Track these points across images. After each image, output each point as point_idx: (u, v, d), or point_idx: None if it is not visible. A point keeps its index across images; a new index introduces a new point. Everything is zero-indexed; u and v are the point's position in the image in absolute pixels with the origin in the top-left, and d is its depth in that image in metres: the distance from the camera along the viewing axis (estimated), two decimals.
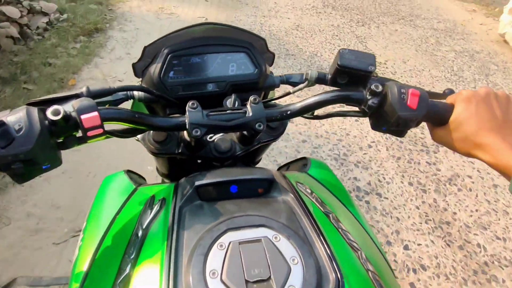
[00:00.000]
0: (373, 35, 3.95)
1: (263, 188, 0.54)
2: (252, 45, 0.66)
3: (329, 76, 0.58)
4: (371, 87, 0.52)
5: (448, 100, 0.53)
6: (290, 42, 3.50)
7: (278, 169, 0.82)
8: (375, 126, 0.56)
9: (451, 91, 0.57)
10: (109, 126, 0.46)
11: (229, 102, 0.63)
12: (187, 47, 0.62)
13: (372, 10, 4.76)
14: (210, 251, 0.42)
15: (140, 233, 0.49)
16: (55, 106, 0.42)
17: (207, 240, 0.43)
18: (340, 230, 0.52)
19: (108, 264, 0.49)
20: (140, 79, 0.66)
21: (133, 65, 0.64)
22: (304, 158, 0.78)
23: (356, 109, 0.58)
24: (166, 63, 0.61)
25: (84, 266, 0.51)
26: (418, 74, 3.30)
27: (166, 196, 0.55)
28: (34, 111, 0.41)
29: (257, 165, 0.89)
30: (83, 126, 0.43)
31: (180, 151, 0.66)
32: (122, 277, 0.44)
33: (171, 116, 0.55)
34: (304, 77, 0.62)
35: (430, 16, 4.95)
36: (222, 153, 0.66)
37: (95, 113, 0.43)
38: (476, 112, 0.48)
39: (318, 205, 0.56)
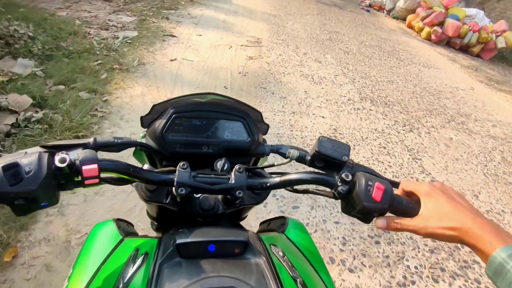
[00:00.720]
0: (427, 147, 3.21)
1: (239, 249, 0.57)
2: (248, 116, 0.71)
3: (308, 158, 0.64)
4: (342, 176, 0.57)
5: (407, 189, 0.59)
6: None
7: (261, 224, 0.88)
8: (344, 210, 0.60)
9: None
10: (107, 174, 0.54)
11: (219, 164, 0.66)
12: (190, 110, 0.67)
13: (415, 105, 4.09)
14: None
15: (121, 287, 0.51)
16: (63, 155, 0.48)
17: None
18: None
19: None
20: (145, 129, 0.71)
21: (142, 117, 0.69)
22: (283, 217, 0.80)
23: (328, 190, 0.62)
24: (169, 121, 0.66)
25: None
26: (499, 218, 2.48)
27: (149, 250, 0.58)
28: (45, 156, 0.47)
29: (242, 221, 0.89)
30: (82, 175, 0.48)
31: (167, 201, 0.68)
32: None
33: (161, 171, 0.60)
34: (286, 154, 0.68)
35: (481, 116, 4.28)
36: (205, 210, 0.68)
37: (95, 166, 0.49)
38: (445, 203, 0.52)
39: (287, 269, 0.58)
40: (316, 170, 0.63)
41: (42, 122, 2.24)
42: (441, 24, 7.61)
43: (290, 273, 0.57)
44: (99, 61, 3.19)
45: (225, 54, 4.23)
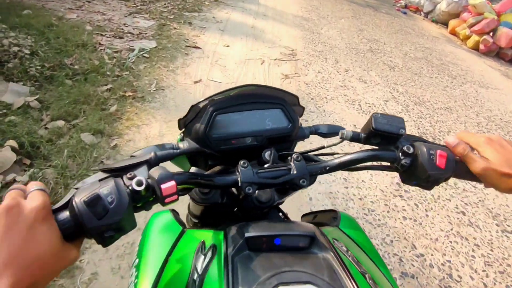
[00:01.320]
0: None
1: (304, 243, 0.56)
2: (286, 101, 0.70)
3: (362, 136, 0.63)
4: (403, 148, 0.58)
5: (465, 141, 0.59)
6: None
7: (303, 216, 0.88)
8: (405, 180, 0.61)
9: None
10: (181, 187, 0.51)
11: (268, 155, 0.66)
12: (229, 106, 0.67)
13: None
14: None
15: (196, 278, 0.52)
16: (139, 178, 0.46)
17: None
18: None
19: None
20: (182, 130, 0.72)
21: (179, 120, 0.69)
22: (333, 210, 0.79)
23: (387, 164, 0.63)
24: (211, 120, 0.65)
25: None
26: None
27: (217, 243, 0.58)
28: (121, 183, 0.46)
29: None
30: (161, 194, 0.47)
31: (224, 201, 0.71)
32: None
33: (222, 174, 0.60)
34: (339, 136, 0.66)
35: None
36: (262, 203, 0.69)
37: (173, 183, 0.47)
38: (502, 152, 0.54)
39: (354, 264, 0.57)
40: (371, 147, 0.63)
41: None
42: (492, 32, 6.75)
43: (358, 268, 0.57)
44: (109, 85, 2.60)
45: (257, 71, 3.59)
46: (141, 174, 0.48)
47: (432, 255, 2.00)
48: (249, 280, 0.48)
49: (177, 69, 3.20)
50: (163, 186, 0.46)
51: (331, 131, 0.74)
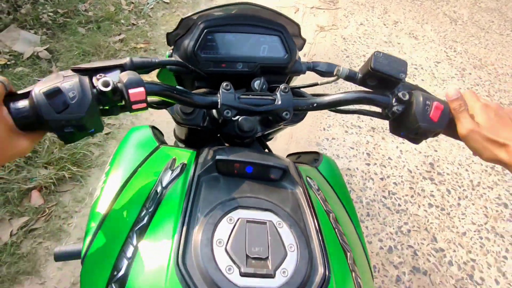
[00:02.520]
0: None
1: (276, 176, 0.57)
2: (286, 30, 0.66)
3: (359, 76, 0.60)
4: (399, 94, 0.55)
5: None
6: None
7: (288, 156, 0.88)
8: (394, 130, 0.59)
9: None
10: (151, 97, 0.51)
11: (257, 84, 0.63)
12: (223, 24, 0.62)
13: None
14: (220, 222, 0.46)
15: (159, 190, 0.53)
16: (105, 78, 0.45)
17: (219, 212, 0.47)
18: (336, 230, 0.56)
19: (127, 210, 0.53)
20: (172, 47, 0.68)
21: (167, 34, 0.66)
22: (316, 152, 0.80)
23: (378, 110, 0.61)
24: (201, 38, 0.61)
25: (104, 207, 0.56)
26: None
27: (187, 162, 0.58)
28: (86, 80, 0.45)
29: (269, 141, 0.92)
30: (129, 99, 0.46)
31: (204, 124, 0.70)
32: (140, 225, 0.48)
33: (203, 93, 0.59)
34: (334, 72, 0.63)
35: None
36: (244, 132, 0.67)
37: (142, 89, 0.46)
38: (494, 119, 0.52)
39: (322, 202, 0.59)
40: (366, 89, 0.60)
41: None
42: None
43: (324, 207, 0.58)
44: (122, 36, 2.45)
45: None
46: (112, 77, 0.47)
47: (454, 251, 1.76)
48: (210, 199, 0.49)
49: None
50: (131, 91, 0.46)
51: (330, 70, 0.68)
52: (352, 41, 3.17)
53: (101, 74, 0.47)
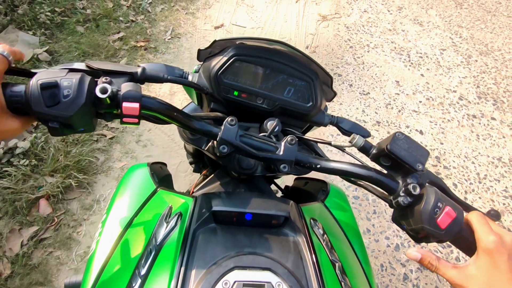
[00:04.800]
0: None
1: (278, 221, 0.54)
2: (317, 78, 0.63)
3: (374, 151, 0.55)
4: (409, 186, 0.49)
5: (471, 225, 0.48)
6: None
7: (296, 179, 0.86)
8: (395, 220, 0.53)
9: (496, 214, 0.50)
10: (149, 112, 0.50)
11: (270, 124, 0.61)
12: (254, 56, 0.61)
13: None
14: (216, 286, 0.43)
15: (153, 248, 0.50)
16: (104, 84, 0.44)
17: (214, 275, 0.44)
18: (342, 283, 0.52)
19: (121, 270, 0.51)
20: (201, 63, 0.67)
21: (199, 50, 0.65)
22: (324, 182, 0.77)
23: (384, 192, 0.55)
24: (228, 63, 0.60)
25: (99, 263, 0.54)
26: None
27: (183, 211, 0.56)
28: (86, 81, 0.44)
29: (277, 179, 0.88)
30: (122, 111, 0.45)
31: (206, 149, 0.67)
32: (134, 287, 0.46)
33: (208, 117, 0.62)
34: (349, 139, 0.59)
35: None
36: (243, 169, 0.65)
37: (136, 105, 0.45)
38: (503, 275, 0.41)
39: (327, 251, 0.55)
40: (378, 168, 0.55)
41: (29, 154, 1.65)
42: None
43: (330, 256, 0.55)
44: (121, 34, 2.40)
45: (289, 12, 3.13)
46: (117, 83, 0.46)
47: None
48: (206, 258, 0.47)
49: (197, 11, 2.87)
50: (125, 104, 0.45)
51: (353, 130, 0.65)
52: (355, 30, 3.10)
53: (107, 77, 0.46)
